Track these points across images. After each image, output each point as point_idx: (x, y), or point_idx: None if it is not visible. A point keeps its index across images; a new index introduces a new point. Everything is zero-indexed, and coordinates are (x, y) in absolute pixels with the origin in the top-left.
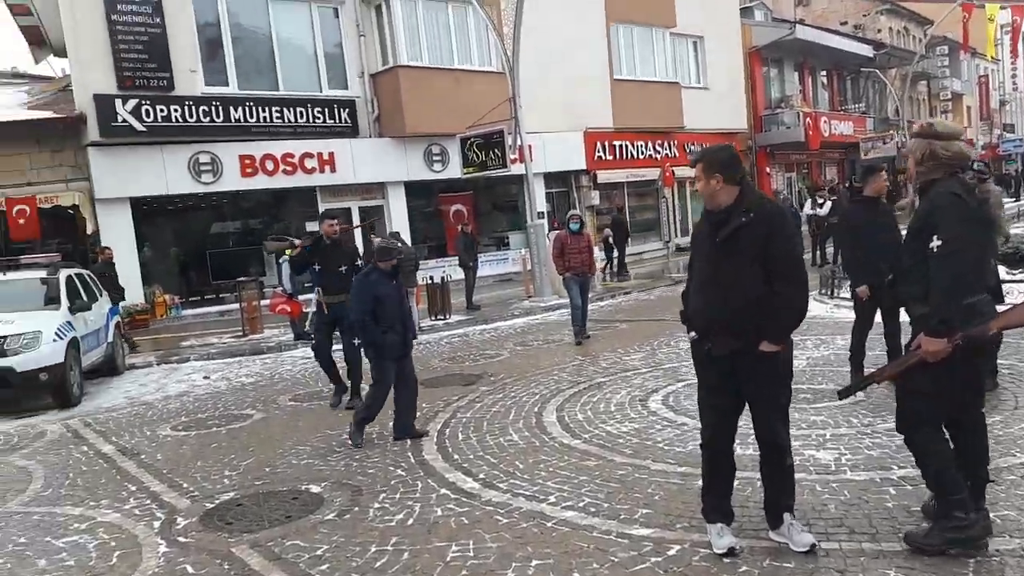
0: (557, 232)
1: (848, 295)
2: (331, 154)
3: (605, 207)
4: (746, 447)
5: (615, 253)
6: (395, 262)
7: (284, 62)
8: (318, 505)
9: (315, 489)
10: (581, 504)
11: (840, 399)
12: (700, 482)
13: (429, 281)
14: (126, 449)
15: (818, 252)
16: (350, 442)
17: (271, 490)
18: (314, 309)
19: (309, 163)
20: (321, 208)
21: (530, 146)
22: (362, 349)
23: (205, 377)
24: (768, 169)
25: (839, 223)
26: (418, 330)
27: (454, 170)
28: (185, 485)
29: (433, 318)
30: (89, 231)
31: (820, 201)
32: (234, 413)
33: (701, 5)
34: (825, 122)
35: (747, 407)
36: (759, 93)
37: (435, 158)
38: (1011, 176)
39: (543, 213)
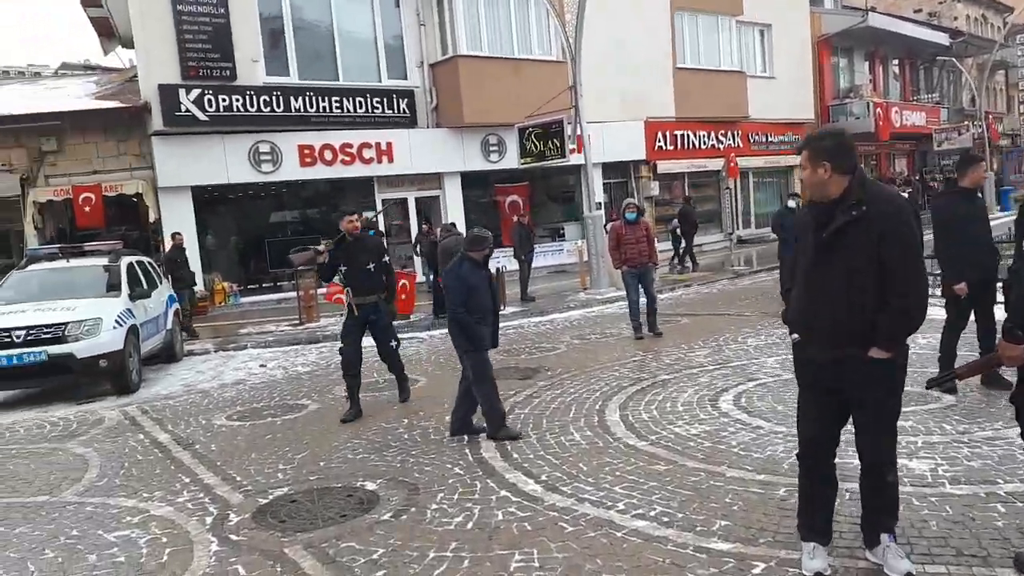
0: (613, 223)
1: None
2: (389, 144)
3: (668, 197)
4: (844, 454)
5: (682, 244)
6: (488, 251)
7: (344, 52)
8: (374, 504)
9: (371, 486)
10: (652, 513)
11: (927, 388)
12: (781, 491)
13: None
14: (181, 438)
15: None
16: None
17: (325, 486)
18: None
19: (367, 153)
20: (379, 198)
21: (589, 135)
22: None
23: (262, 365)
24: None
25: (933, 216)
26: None
27: (511, 160)
28: (238, 478)
29: None
30: (152, 219)
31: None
32: (289, 403)
33: None
34: (896, 112)
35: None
36: (827, 83)
37: (492, 148)
38: None
39: (600, 204)
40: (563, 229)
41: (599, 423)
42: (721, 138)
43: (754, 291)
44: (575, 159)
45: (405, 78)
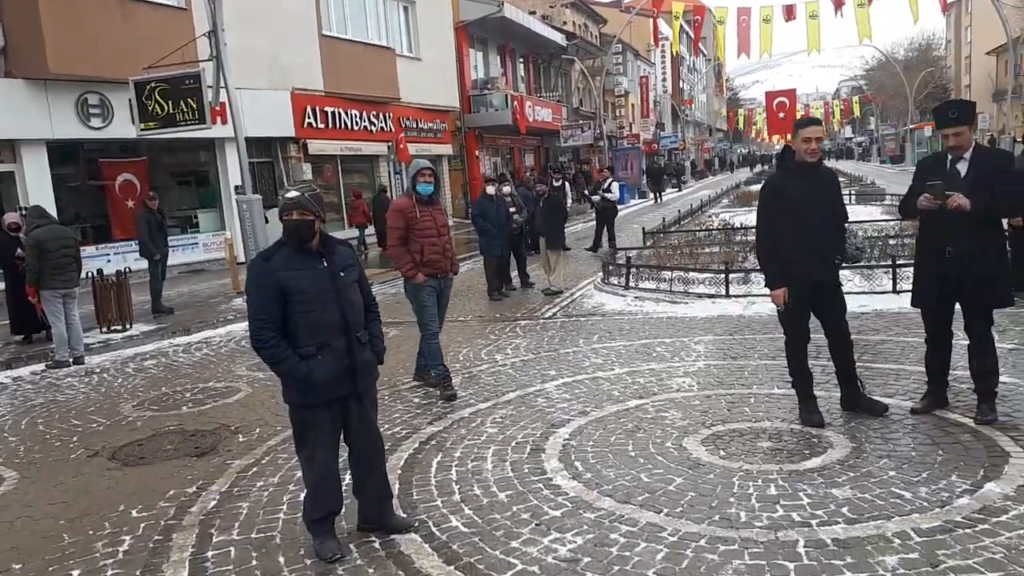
0: (397, 200)
1: None
2: None
3: (321, 182)
4: None
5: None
6: (314, 219)
7: None
8: None
9: None
10: None
11: None
12: None
13: (95, 277)
14: None
15: (604, 235)
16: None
17: None
18: None
19: None
20: None
21: (222, 103)
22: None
23: None
24: (477, 152)
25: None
26: (83, 350)
27: (121, 127)
28: None
29: (105, 329)
30: None
31: (605, 186)
32: None
33: None
34: (530, 107)
35: None
36: (467, 71)
37: (93, 111)
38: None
39: (240, 187)
40: (196, 218)
41: (384, 544)
42: (374, 120)
43: None
44: (214, 130)
45: None
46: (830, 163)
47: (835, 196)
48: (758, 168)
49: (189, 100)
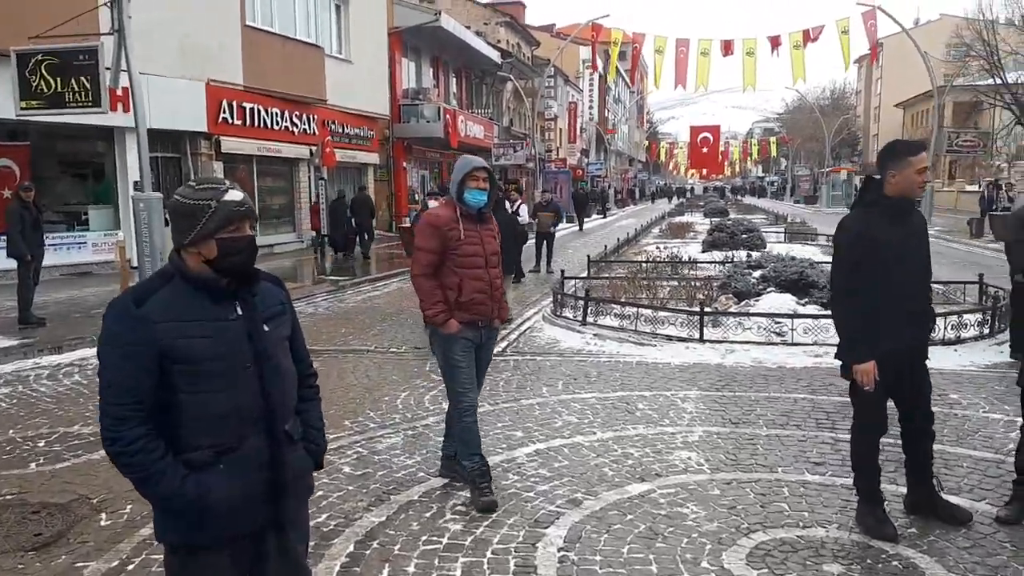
0: (434, 214)
1: None
2: None
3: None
4: None
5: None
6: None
7: None
8: None
9: None
10: None
11: None
12: None
13: None
14: None
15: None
16: None
17: None
18: None
19: None
20: None
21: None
22: None
23: None
24: (405, 164)
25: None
26: None
27: (2, 106)
28: None
29: None
30: None
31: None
32: None
33: None
34: (462, 121)
35: None
36: (398, 79)
37: None
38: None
39: (139, 183)
40: (86, 214)
41: None
42: (297, 120)
43: (371, 311)
44: (112, 117)
45: None
46: (745, 200)
47: (927, 242)
48: (676, 200)
49: (82, 79)
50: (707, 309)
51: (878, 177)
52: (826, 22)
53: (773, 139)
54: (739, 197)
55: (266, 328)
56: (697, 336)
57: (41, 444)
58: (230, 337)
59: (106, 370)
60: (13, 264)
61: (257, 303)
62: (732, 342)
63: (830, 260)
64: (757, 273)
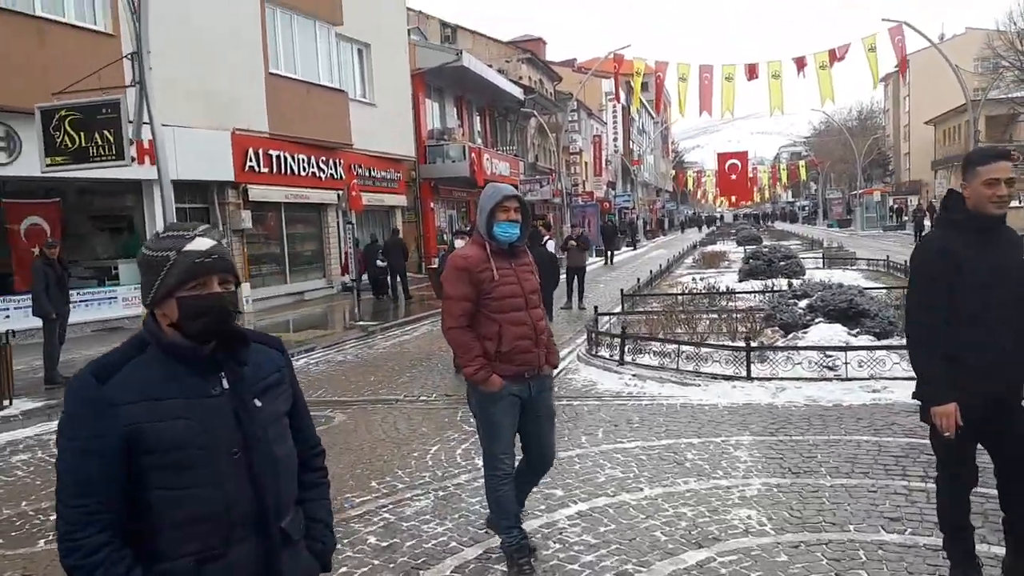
0: (460, 256)
1: None
2: None
3: (262, 231)
4: None
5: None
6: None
7: None
8: None
9: None
10: None
11: None
12: None
13: None
14: None
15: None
16: None
17: None
18: None
19: None
20: None
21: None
22: None
23: None
24: (432, 204)
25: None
26: None
27: (29, 163)
28: None
29: None
30: None
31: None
32: None
33: (370, 9)
34: (488, 159)
35: None
36: (423, 120)
37: None
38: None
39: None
40: (116, 268)
41: None
42: (323, 166)
43: (400, 356)
44: (139, 170)
45: None
46: (776, 226)
47: (1022, 264)
48: (706, 229)
49: (105, 132)
50: (753, 343)
51: (960, 190)
52: (851, 40)
53: (802, 163)
54: (771, 223)
55: (258, 403)
56: (744, 373)
57: (53, 518)
58: (212, 418)
59: (64, 463)
60: (39, 322)
61: (247, 373)
62: (782, 379)
63: (876, 286)
64: (803, 303)
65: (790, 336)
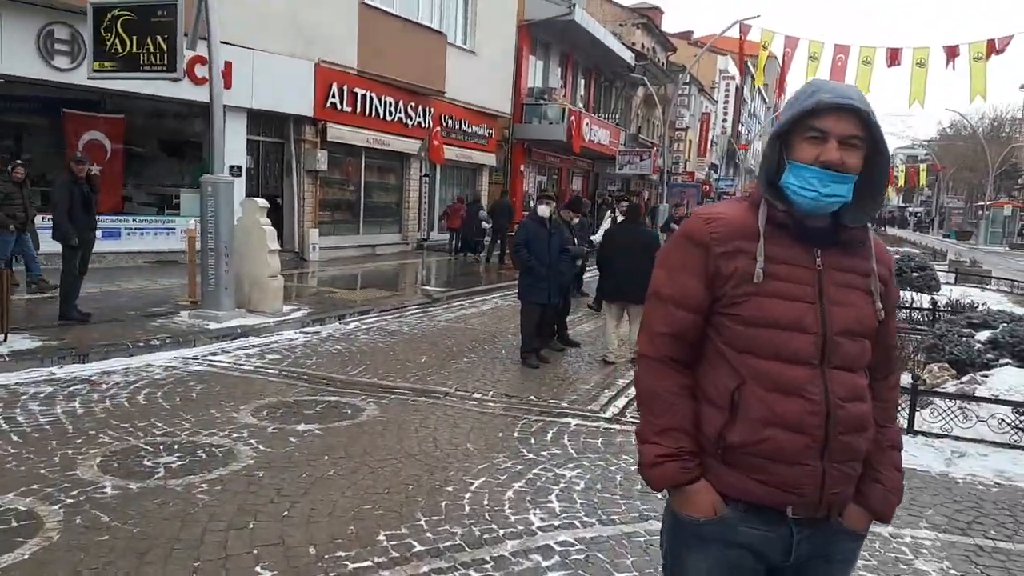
0: (702, 210)
1: None
2: None
3: (339, 176)
4: None
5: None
6: None
7: None
8: None
9: None
10: None
11: None
12: None
13: None
14: None
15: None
16: None
17: None
18: None
19: None
20: None
21: (228, 63)
22: None
23: None
24: (523, 167)
25: None
26: None
27: None
28: None
29: None
30: None
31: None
32: None
33: None
34: (588, 125)
35: None
36: (524, 77)
37: (60, 46)
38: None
39: (239, 168)
40: (177, 197)
41: None
42: (411, 112)
43: (461, 333)
44: (191, 89)
45: None
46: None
47: None
48: None
49: (158, 38)
50: (919, 383)
51: None
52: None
53: (923, 166)
54: (881, 227)
55: None
56: (904, 423)
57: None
58: None
59: None
60: (57, 249)
61: None
62: (957, 438)
63: None
64: (983, 336)
65: (966, 379)
